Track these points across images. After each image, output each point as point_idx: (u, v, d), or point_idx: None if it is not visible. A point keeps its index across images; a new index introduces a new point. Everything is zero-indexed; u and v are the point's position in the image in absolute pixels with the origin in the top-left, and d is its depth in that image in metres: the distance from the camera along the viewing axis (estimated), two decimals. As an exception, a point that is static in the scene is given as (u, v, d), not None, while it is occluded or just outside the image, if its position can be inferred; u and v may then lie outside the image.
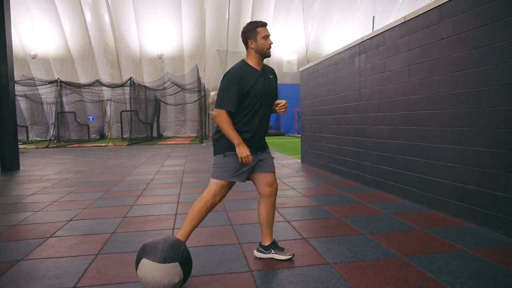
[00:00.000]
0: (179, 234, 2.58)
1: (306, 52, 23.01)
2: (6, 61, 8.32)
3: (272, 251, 2.70)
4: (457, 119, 3.75)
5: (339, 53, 6.63)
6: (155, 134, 22.71)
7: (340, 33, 25.62)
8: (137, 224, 3.72)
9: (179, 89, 22.49)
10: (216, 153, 2.64)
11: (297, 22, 24.92)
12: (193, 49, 24.54)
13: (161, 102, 23.78)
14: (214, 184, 2.61)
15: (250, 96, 2.48)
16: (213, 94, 27.11)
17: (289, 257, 2.68)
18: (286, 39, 25.44)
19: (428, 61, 4.20)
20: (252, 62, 2.58)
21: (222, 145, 2.57)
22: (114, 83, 21.93)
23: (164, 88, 22.68)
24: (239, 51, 25.36)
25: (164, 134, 25.25)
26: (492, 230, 3.31)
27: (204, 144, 17.44)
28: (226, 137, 2.51)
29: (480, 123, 3.46)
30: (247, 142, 2.54)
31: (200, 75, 20.66)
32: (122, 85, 20.66)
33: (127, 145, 17.46)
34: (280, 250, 2.71)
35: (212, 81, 25.88)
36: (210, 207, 2.65)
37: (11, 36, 8.51)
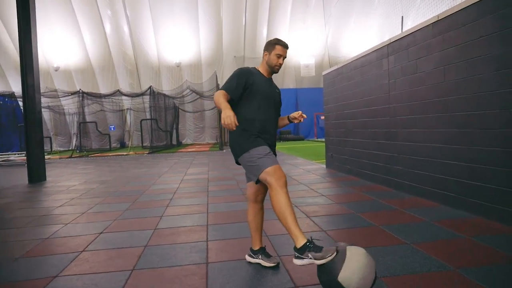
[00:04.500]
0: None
1: (328, 56, 22.83)
2: (33, 73, 8.48)
3: (260, 256, 2.77)
4: (501, 120, 3.54)
5: (365, 56, 6.46)
6: (174, 142, 22.87)
7: (358, 36, 25.35)
8: (169, 236, 3.64)
9: (198, 96, 22.64)
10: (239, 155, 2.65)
11: (314, 26, 24.78)
12: (211, 56, 24.70)
13: (179, 110, 23.98)
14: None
15: (253, 90, 2.64)
16: (230, 101, 27.15)
17: (273, 264, 2.71)
18: (303, 44, 25.33)
19: (465, 60, 4.00)
20: (262, 70, 2.80)
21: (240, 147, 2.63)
22: (134, 92, 22.25)
23: (183, 96, 22.86)
24: (256, 57, 25.40)
25: (183, 141, 25.42)
26: (548, 238, 3.08)
27: (224, 150, 17.40)
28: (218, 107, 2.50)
29: (529, 124, 3.25)
30: (257, 131, 2.62)
31: (219, 82, 20.71)
32: (142, 94, 20.94)
33: (148, 153, 17.59)
34: (267, 256, 2.77)
35: (230, 87, 25.94)
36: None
37: (37, 49, 8.68)
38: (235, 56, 25.15)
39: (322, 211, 4.49)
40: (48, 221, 4.56)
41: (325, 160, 9.08)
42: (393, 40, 5.48)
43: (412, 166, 5.11)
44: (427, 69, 4.67)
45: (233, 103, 2.63)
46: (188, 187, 6.77)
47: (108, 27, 23.21)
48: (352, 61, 7.08)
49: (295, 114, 2.83)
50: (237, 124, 2.35)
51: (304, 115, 2.84)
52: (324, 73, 8.80)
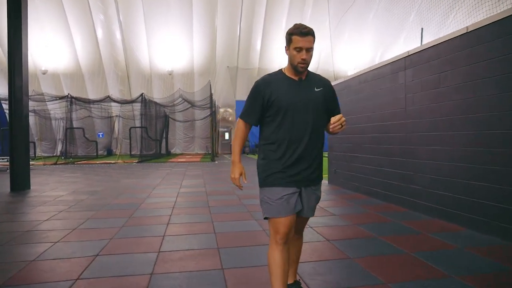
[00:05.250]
0: None
1: (333, 70, 22.79)
2: (21, 75, 7.95)
3: None
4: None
5: (378, 68, 6.19)
6: (163, 151, 22.28)
7: (351, 51, 25.44)
8: (177, 262, 3.19)
9: (189, 105, 22.19)
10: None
11: (308, 39, 24.71)
12: (204, 66, 24.34)
13: (170, 119, 23.44)
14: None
15: (274, 107, 2.12)
16: (222, 111, 26.84)
17: None
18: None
19: (499, 75, 3.73)
20: (288, 71, 2.20)
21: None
22: (125, 99, 21.68)
23: (174, 105, 22.38)
24: (249, 68, 25.18)
25: (172, 151, 24.82)
26: None
27: (216, 162, 16.94)
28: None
29: None
30: (279, 166, 2.11)
31: (212, 91, 20.35)
32: (133, 101, 20.39)
33: (137, 162, 16.99)
34: None
35: (222, 97, 25.62)
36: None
37: (27, 50, 8.18)
38: (228, 66, 24.87)
39: (341, 233, 4.10)
40: (34, 239, 4.05)
41: (326, 175, 8.73)
42: (412, 52, 5.21)
43: (432, 186, 4.79)
44: (453, 83, 4.39)
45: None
46: (187, 201, 6.31)
47: (100, 32, 22.68)
48: (361, 74, 6.81)
49: (334, 119, 2.07)
50: (245, 182, 2.25)
51: (337, 127, 2.06)
52: (328, 85, 8.51)
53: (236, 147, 2.24)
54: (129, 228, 4.43)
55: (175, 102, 21.86)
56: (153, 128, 20.55)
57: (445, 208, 4.54)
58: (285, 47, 2.16)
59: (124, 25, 22.43)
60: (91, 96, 22.80)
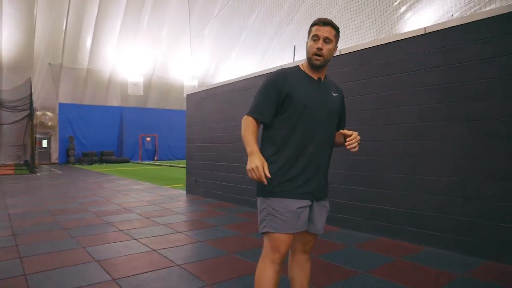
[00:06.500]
0: None
1: (195, 78, 22.02)
2: None
3: None
4: (389, 148, 3.98)
5: (246, 80, 6.40)
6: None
7: (189, 60, 25.78)
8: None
9: (-5, 106, 18.08)
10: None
11: (145, 45, 23.76)
12: (16, 59, 20.28)
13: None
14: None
15: (291, 105, 1.90)
16: (40, 114, 22.93)
17: None
18: (132, 61, 23.92)
19: (365, 95, 4.40)
20: (306, 68, 2.00)
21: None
22: None
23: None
24: (77, 68, 22.40)
25: (-34, 163, 19.61)
26: (451, 251, 3.53)
27: (39, 174, 14.22)
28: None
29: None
30: (290, 174, 1.88)
31: (32, 90, 17.15)
32: None
33: None
34: None
35: (41, 98, 21.92)
36: None
37: None
38: (50, 64, 21.47)
39: (239, 245, 3.99)
40: None
41: (183, 185, 8.46)
42: (285, 67, 5.59)
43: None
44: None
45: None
46: (30, 225, 4.99)
47: None
48: (228, 84, 6.92)
49: (351, 132, 1.95)
50: (269, 176, 1.80)
51: (354, 144, 1.94)
52: (188, 93, 8.34)
53: (250, 137, 1.87)
54: (-38, 271, 3.18)
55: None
56: None
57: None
58: (306, 42, 1.98)
59: None
60: None
